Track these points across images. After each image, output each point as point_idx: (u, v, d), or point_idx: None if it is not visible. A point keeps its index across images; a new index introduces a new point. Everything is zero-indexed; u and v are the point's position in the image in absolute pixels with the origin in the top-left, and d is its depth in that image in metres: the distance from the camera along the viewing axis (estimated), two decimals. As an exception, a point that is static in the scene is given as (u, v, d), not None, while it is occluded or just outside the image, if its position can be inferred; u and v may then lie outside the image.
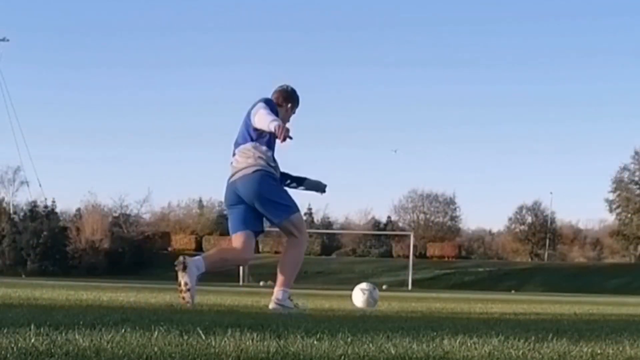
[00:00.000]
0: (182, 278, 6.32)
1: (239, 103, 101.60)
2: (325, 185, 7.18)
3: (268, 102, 6.57)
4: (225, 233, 74.43)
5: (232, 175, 6.59)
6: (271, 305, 6.51)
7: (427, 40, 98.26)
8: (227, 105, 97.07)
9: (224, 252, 7.31)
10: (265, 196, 6.52)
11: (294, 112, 6.92)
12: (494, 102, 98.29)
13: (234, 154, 6.62)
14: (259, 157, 6.49)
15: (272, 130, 6.17)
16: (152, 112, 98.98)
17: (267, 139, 6.49)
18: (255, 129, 6.46)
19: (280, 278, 6.64)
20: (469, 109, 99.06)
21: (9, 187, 73.74)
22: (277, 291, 6.58)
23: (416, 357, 2.84)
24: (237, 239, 6.65)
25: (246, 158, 6.51)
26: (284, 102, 6.79)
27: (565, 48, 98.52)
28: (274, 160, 6.63)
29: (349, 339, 3.28)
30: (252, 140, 6.51)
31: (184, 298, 6.28)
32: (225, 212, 66.24)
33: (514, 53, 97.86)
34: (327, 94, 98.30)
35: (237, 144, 6.63)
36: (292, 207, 6.71)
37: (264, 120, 6.29)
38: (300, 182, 7.11)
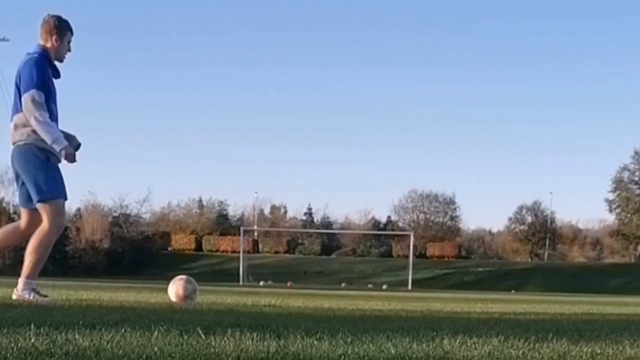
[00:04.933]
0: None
1: (240, 103, 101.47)
2: (78, 144, 6.51)
3: (39, 81, 6.08)
4: (225, 233, 74.74)
5: (12, 144, 6.29)
6: (13, 295, 6.35)
7: (427, 40, 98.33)
8: (228, 105, 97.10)
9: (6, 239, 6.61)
10: (27, 173, 6.22)
11: (69, 42, 6.40)
12: (494, 102, 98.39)
13: (12, 120, 6.25)
14: (33, 131, 6.13)
15: (58, 151, 6.06)
16: (152, 112, 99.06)
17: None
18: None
19: (24, 267, 6.38)
20: (468, 109, 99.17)
21: (9, 187, 73.81)
22: (19, 281, 6.39)
23: (416, 357, 2.83)
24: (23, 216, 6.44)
25: (21, 129, 6.18)
26: (50, 37, 6.28)
27: (565, 48, 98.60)
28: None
29: (349, 339, 3.27)
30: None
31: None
32: (225, 212, 65.61)
33: (514, 53, 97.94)
34: (328, 94, 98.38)
35: (15, 110, 6.23)
36: (51, 191, 6.25)
37: (44, 134, 6.03)
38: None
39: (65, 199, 6.42)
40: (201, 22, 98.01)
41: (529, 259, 78.34)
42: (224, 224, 78.52)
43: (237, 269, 52.12)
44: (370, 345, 3.10)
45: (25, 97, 6.06)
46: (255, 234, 74.94)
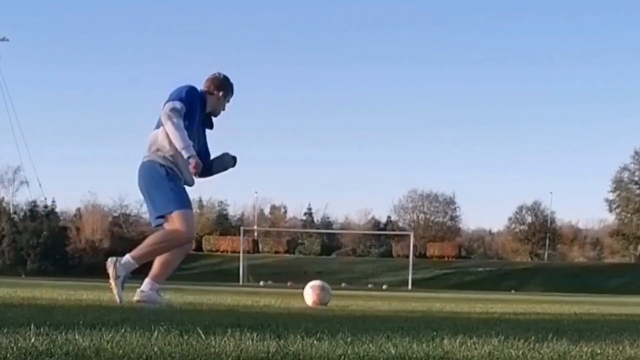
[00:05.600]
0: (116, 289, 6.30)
1: (239, 103, 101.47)
2: (233, 158, 6.76)
3: (186, 99, 6.24)
4: (225, 233, 74.73)
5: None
6: (135, 297, 6.37)
7: (427, 40, 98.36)
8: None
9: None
10: (147, 189, 6.32)
11: (227, 101, 6.69)
12: (494, 102, 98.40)
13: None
14: (158, 149, 6.29)
15: (185, 158, 6.10)
16: (152, 111, 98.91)
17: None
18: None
19: (153, 269, 6.46)
20: (469, 109, 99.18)
21: (9, 187, 73.89)
22: (145, 281, 6.44)
23: (416, 357, 2.83)
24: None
25: (150, 144, 6.38)
26: (215, 90, 6.59)
27: (565, 47, 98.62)
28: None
29: (349, 339, 3.27)
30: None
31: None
32: (224, 212, 65.83)
33: (515, 53, 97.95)
34: (328, 94, 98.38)
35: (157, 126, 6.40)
36: (172, 203, 6.26)
37: (176, 139, 6.13)
38: (208, 171, 6.71)
39: (190, 209, 6.44)
40: (200, 21, 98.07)
41: (529, 259, 78.35)
42: (224, 224, 78.53)
43: (237, 269, 52.12)
44: (370, 345, 3.10)
45: (168, 104, 6.20)
46: (255, 234, 74.95)
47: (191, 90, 6.37)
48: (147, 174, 6.31)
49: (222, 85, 6.62)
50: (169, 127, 6.15)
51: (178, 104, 6.18)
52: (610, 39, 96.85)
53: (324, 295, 7.59)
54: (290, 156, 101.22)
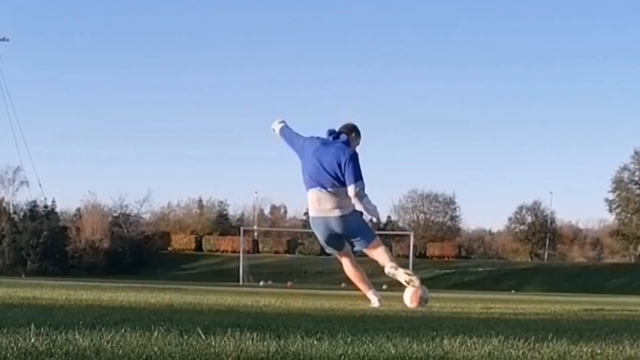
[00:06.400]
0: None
1: (239, 102, 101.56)
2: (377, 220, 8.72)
3: (362, 177, 8.02)
4: (225, 233, 74.71)
5: (327, 209, 8.00)
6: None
7: (427, 40, 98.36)
8: (228, 105, 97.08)
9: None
10: (359, 231, 8.18)
11: (357, 143, 8.30)
12: (493, 102, 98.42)
13: (318, 188, 8.02)
14: (347, 205, 7.96)
15: (371, 219, 8.26)
16: (152, 112, 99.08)
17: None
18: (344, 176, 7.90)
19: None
20: (468, 109, 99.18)
21: (9, 187, 73.90)
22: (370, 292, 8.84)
23: (416, 357, 2.83)
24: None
25: (337, 201, 7.94)
26: (357, 143, 8.30)
27: (565, 48, 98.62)
28: None
29: (349, 339, 3.27)
30: (344, 185, 7.90)
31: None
32: (225, 212, 65.78)
33: (515, 53, 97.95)
34: (327, 93, 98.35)
35: (325, 184, 7.98)
36: (375, 235, 8.47)
37: (374, 212, 8.00)
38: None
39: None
40: (199, 22, 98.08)
41: (529, 259, 78.33)
42: (224, 224, 78.51)
43: (237, 269, 52.09)
44: (370, 345, 3.10)
45: (358, 187, 7.94)
46: (255, 234, 74.93)
47: (359, 161, 8.06)
48: (355, 221, 8.10)
49: (353, 131, 8.32)
50: (366, 203, 7.95)
51: (363, 186, 8.01)
52: (610, 39, 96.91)
53: (424, 298, 8.11)
54: (290, 156, 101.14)
